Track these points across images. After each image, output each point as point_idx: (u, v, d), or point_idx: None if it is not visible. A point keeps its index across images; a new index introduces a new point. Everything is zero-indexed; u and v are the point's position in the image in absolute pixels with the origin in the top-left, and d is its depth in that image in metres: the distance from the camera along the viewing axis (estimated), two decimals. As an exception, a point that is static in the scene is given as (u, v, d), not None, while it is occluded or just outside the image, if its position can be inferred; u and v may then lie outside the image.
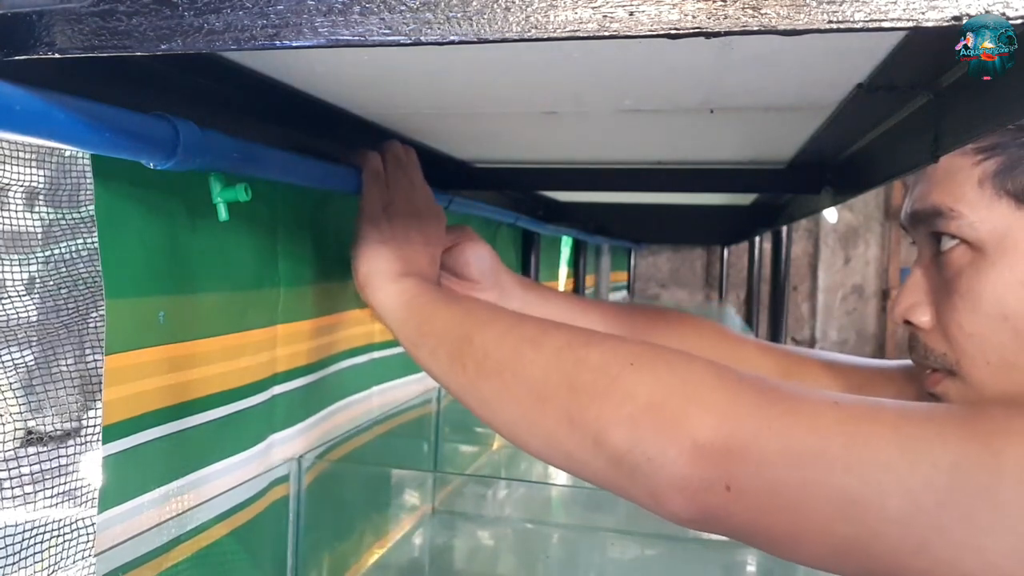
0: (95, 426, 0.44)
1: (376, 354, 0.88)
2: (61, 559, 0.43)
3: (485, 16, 0.27)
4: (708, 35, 0.26)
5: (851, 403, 0.40)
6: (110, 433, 0.45)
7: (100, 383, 0.44)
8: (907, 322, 0.50)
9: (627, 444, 0.41)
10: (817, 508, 0.37)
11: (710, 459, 0.39)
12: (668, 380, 0.42)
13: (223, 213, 0.50)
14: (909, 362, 0.61)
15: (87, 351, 0.44)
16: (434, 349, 0.54)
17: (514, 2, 0.27)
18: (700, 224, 2.13)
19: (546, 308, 0.73)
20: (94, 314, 0.44)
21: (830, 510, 0.37)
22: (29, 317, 0.43)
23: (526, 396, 0.47)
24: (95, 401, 0.44)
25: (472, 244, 0.72)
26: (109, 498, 0.46)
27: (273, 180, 0.56)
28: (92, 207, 0.43)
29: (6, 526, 0.40)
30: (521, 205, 1.39)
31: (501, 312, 0.55)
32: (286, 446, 0.67)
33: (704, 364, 0.43)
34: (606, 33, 0.27)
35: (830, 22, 0.25)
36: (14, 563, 0.40)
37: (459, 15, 0.27)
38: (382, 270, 0.60)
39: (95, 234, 0.43)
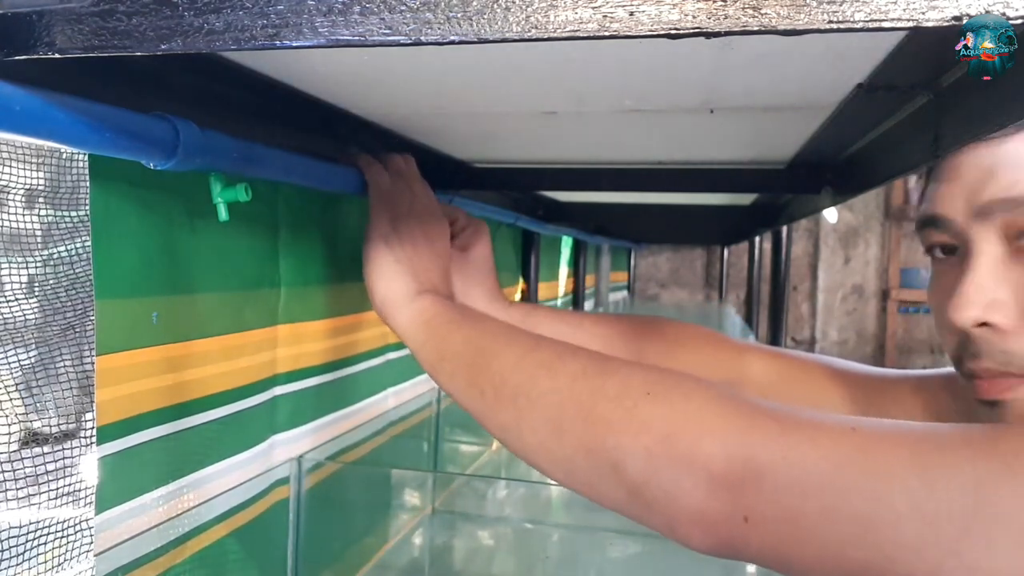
0: (91, 427, 0.44)
1: (392, 355, 0.88)
2: (62, 559, 0.43)
3: (485, 16, 0.27)
4: (708, 35, 0.26)
5: (870, 428, 0.39)
6: (107, 433, 0.45)
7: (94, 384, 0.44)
8: (981, 324, 0.46)
9: (644, 476, 0.41)
10: (833, 536, 0.37)
11: (726, 491, 0.39)
12: (684, 410, 0.42)
13: (223, 213, 0.50)
14: (914, 372, 0.60)
15: (85, 352, 0.44)
16: (452, 373, 0.54)
17: (514, 2, 0.27)
18: (700, 224, 2.12)
19: (536, 325, 0.71)
20: (92, 315, 0.44)
21: (846, 537, 0.36)
22: (29, 318, 0.43)
23: (543, 425, 0.46)
24: (92, 402, 0.44)
25: (482, 242, 0.74)
26: (108, 498, 0.46)
27: (273, 180, 0.56)
28: (88, 207, 0.43)
29: (10, 526, 0.40)
30: (521, 205, 1.39)
31: (517, 335, 0.54)
32: (291, 447, 0.67)
33: (720, 392, 0.43)
34: (606, 33, 0.27)
35: (830, 22, 0.25)
36: (18, 563, 0.40)
37: (459, 15, 0.27)
38: (397, 291, 0.59)
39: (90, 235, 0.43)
